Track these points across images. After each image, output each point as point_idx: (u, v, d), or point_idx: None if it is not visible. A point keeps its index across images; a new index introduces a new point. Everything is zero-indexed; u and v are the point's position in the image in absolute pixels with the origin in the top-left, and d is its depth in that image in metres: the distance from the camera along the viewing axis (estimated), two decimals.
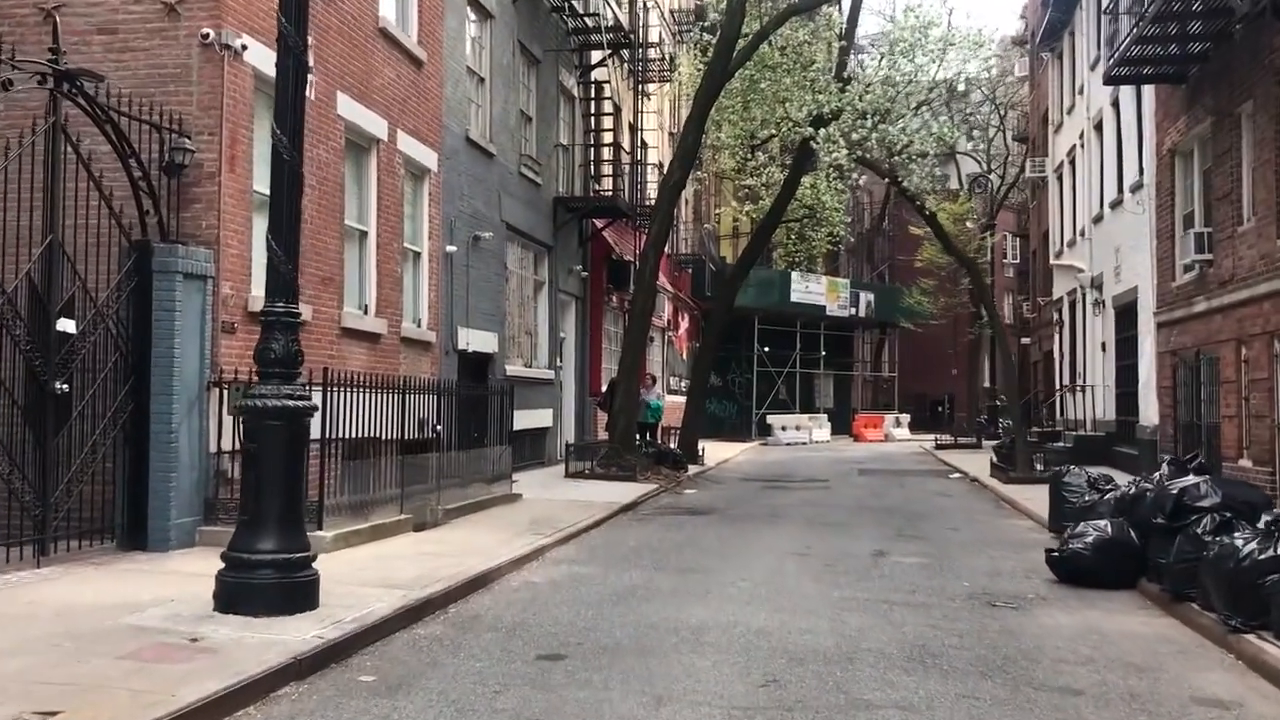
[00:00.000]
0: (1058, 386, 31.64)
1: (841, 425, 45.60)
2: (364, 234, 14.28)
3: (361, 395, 11.68)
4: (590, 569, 10.65)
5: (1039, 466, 21.36)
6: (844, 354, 49.17)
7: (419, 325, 15.98)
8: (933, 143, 22.81)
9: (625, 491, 17.38)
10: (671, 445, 24.46)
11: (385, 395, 12.37)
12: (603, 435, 22.93)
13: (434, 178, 16.40)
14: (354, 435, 11.64)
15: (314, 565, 7.66)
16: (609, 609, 8.67)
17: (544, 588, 9.63)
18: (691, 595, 9.31)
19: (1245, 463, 15.77)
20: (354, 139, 13.89)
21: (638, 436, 21.88)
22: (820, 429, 42.81)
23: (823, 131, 20.93)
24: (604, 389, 23.58)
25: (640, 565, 10.91)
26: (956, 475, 23.93)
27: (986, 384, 58.30)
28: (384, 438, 12.48)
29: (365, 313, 14.21)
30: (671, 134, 33.35)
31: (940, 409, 57.75)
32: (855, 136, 21.65)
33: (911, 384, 54.88)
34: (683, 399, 33.14)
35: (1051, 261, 31.90)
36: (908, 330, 50.06)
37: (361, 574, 9.27)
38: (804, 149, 23.36)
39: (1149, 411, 20.79)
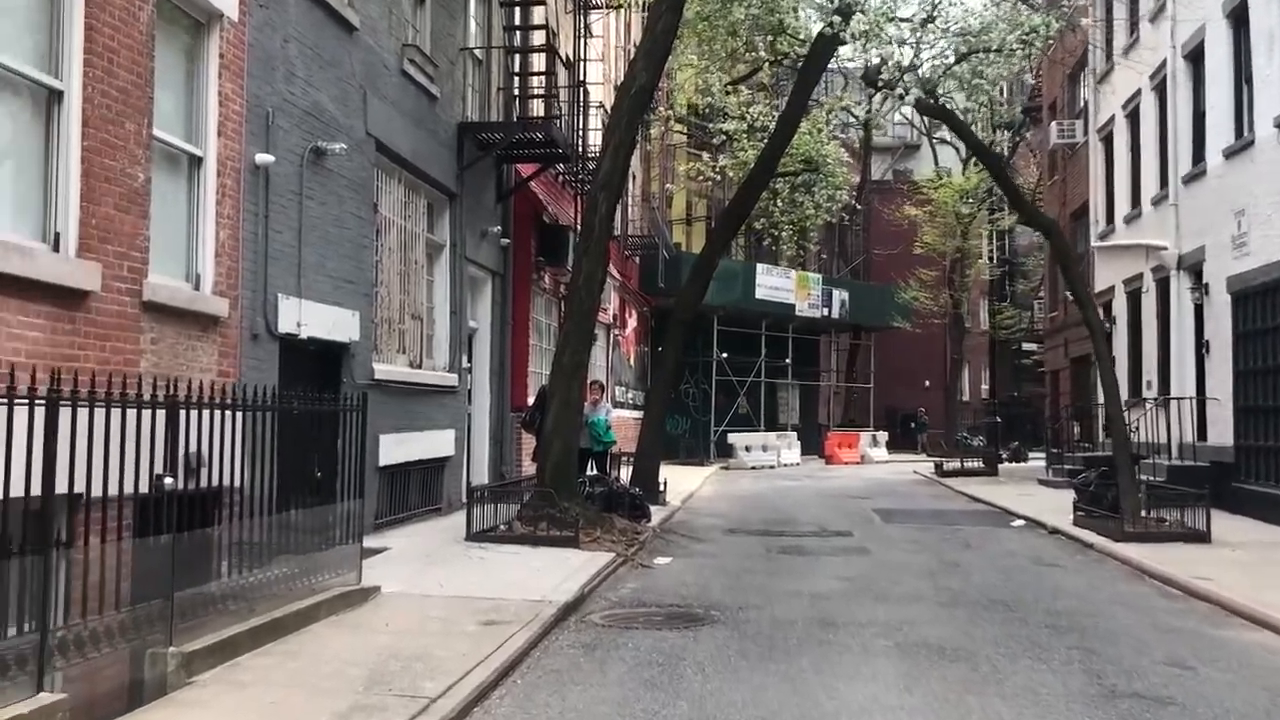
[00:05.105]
0: (1099, 401, 25.22)
1: (810, 444, 39.04)
2: (54, 94, 7.26)
3: None
4: None
5: (1141, 512, 15.06)
6: (810, 362, 42.62)
7: (195, 285, 8.97)
8: (1016, 38, 16.01)
9: (561, 571, 10.47)
10: (623, 479, 17.56)
11: (63, 413, 5.49)
12: (530, 467, 15.99)
13: (231, 30, 9.40)
14: None
15: None
16: None
17: None
18: None
19: None
20: None
21: (580, 469, 14.98)
22: (790, 449, 36.26)
23: (857, 17, 14.13)
24: (531, 401, 16.58)
25: None
26: (1020, 523, 17.30)
27: (964, 398, 52.34)
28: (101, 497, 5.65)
29: (55, 247, 7.19)
30: (617, 87, 26.43)
31: (913, 425, 51.43)
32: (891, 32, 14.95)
33: (880, 397, 48.42)
34: (632, 415, 26.24)
35: (1095, 244, 25.59)
36: (889, 334, 43.52)
37: None
38: (812, 63, 16.61)
39: None
